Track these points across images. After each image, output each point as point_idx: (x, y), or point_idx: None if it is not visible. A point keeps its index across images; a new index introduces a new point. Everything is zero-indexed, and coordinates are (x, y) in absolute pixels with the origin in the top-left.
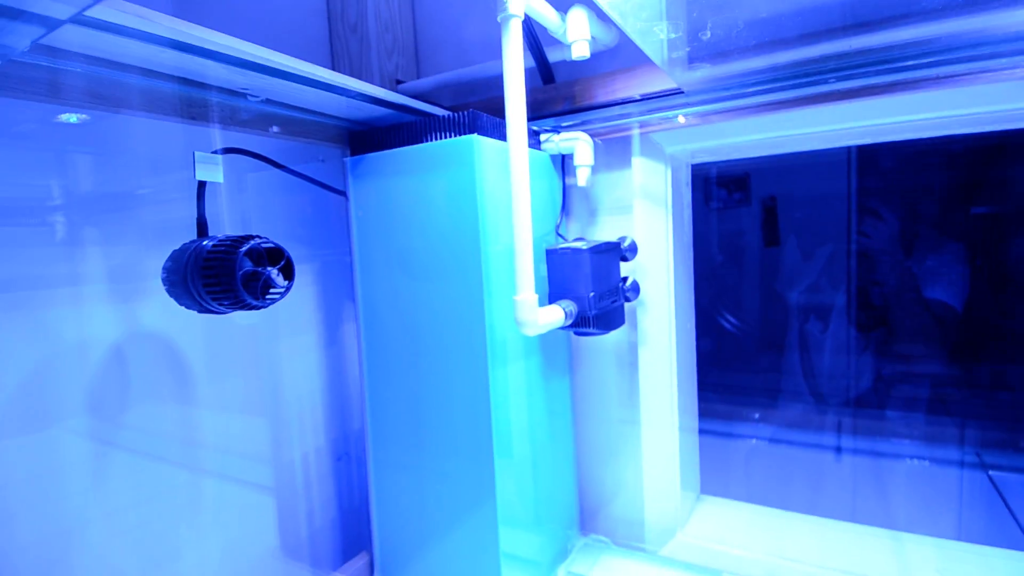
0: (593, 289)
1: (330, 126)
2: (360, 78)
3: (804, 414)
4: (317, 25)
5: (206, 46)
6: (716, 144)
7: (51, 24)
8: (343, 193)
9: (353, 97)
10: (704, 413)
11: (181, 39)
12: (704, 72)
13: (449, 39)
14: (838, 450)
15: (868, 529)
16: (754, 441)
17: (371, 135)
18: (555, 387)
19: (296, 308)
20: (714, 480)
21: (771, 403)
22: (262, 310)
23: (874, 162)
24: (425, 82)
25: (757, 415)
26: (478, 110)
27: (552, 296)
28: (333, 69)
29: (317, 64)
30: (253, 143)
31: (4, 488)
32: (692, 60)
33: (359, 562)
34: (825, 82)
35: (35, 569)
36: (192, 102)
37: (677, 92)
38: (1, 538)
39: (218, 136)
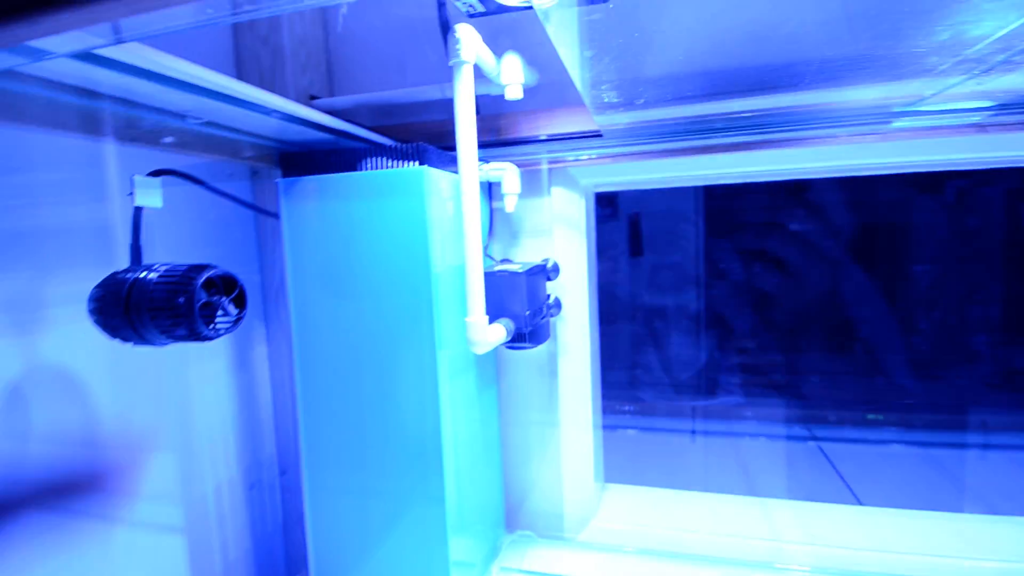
0: (528, 308)
1: (260, 146)
2: (273, 92)
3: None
4: (221, 34)
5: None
6: (622, 179)
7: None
8: (275, 215)
9: (289, 121)
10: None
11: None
12: (623, 119)
13: (364, 58)
14: (692, 432)
15: (741, 498)
16: (631, 431)
17: (306, 158)
18: (486, 397)
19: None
20: (609, 469)
21: (637, 396)
22: None
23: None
24: (342, 100)
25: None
26: (410, 134)
27: (491, 315)
28: (240, 80)
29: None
30: (167, 162)
31: None
32: (612, 109)
33: None
34: (713, 136)
35: None
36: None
37: (596, 135)
38: None
39: (113, 152)
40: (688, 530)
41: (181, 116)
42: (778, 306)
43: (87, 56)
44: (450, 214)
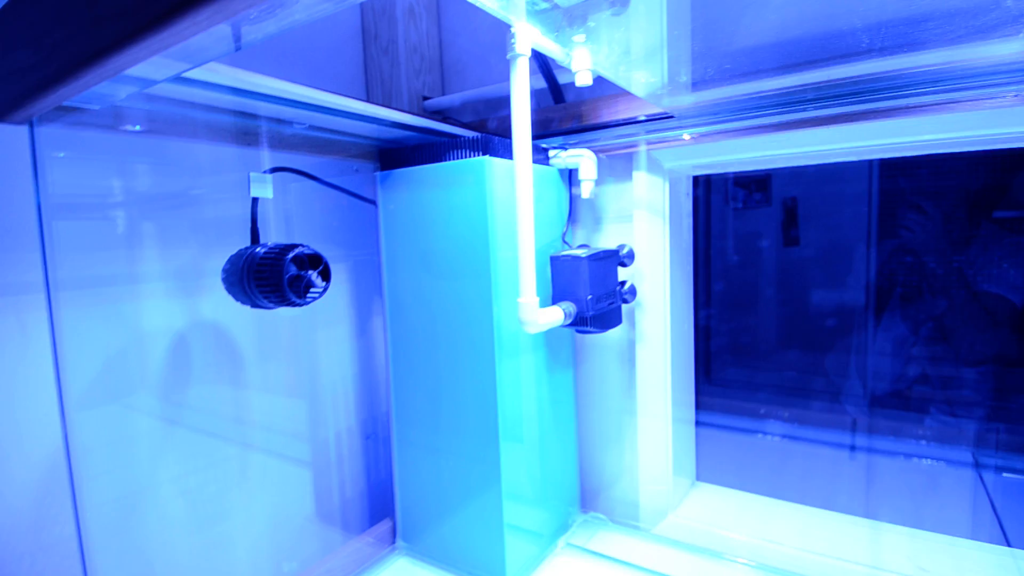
0: (591, 292)
1: (363, 145)
2: (390, 96)
3: (821, 412)
4: (353, 48)
5: (257, 89)
6: (710, 161)
7: (143, 84)
8: (373, 202)
9: (383, 124)
10: (716, 408)
11: (237, 85)
12: (691, 99)
13: (472, 58)
14: (852, 448)
15: (849, 517)
16: (762, 436)
17: (398, 153)
18: (558, 379)
19: (330, 302)
20: (713, 468)
21: (785, 400)
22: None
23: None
24: (449, 99)
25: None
26: (498, 126)
27: (556, 297)
28: (367, 88)
29: (353, 83)
30: (297, 162)
31: (87, 452)
32: (676, 92)
33: (383, 527)
34: (804, 109)
35: (110, 522)
36: (245, 130)
37: (670, 116)
38: (84, 495)
39: (267, 157)
40: (773, 540)
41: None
42: (971, 309)
43: (217, 87)
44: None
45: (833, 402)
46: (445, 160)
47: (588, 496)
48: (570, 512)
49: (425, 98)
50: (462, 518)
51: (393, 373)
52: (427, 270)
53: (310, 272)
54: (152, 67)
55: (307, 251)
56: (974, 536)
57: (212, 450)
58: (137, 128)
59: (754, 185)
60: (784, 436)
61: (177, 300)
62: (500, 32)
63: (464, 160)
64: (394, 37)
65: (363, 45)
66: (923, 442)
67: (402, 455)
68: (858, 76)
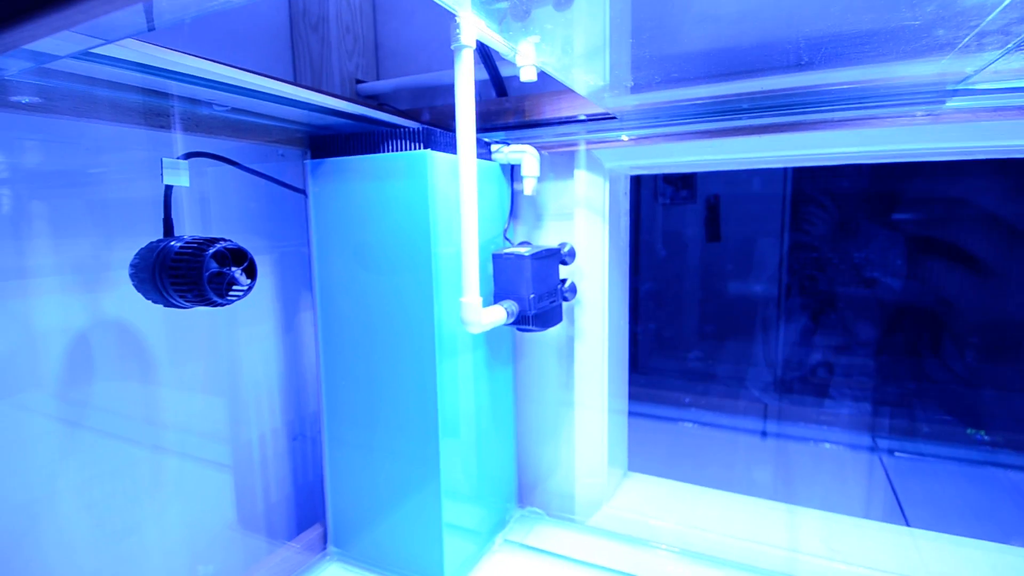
0: (533, 291)
1: (291, 130)
2: (320, 77)
3: (736, 400)
4: (279, 21)
5: (167, 67)
6: (649, 162)
7: (41, 59)
8: (303, 192)
9: (313, 109)
10: (643, 397)
11: (144, 61)
12: (633, 101)
13: (409, 43)
14: (763, 433)
15: (770, 503)
16: (685, 424)
17: (332, 140)
18: (498, 376)
19: (254, 297)
20: (643, 457)
21: (705, 388)
22: None
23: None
24: (384, 84)
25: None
26: (434, 116)
27: (498, 295)
28: (294, 66)
29: (278, 60)
30: (216, 146)
31: None
32: (618, 93)
33: (313, 533)
34: (738, 118)
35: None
36: (155, 110)
37: (611, 117)
38: None
39: (181, 140)
40: (701, 528)
41: (222, 106)
42: (876, 301)
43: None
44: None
45: (746, 389)
46: (383, 151)
47: (525, 491)
48: (508, 508)
49: (359, 81)
50: (398, 519)
51: (325, 371)
52: (364, 265)
53: (233, 269)
54: (55, 42)
55: (230, 246)
56: (870, 515)
57: (119, 455)
58: (26, 100)
59: (680, 183)
60: (704, 424)
61: (76, 295)
62: (438, 17)
63: (405, 152)
64: (325, 15)
65: (290, 20)
66: (826, 427)
67: (334, 456)
68: (787, 89)
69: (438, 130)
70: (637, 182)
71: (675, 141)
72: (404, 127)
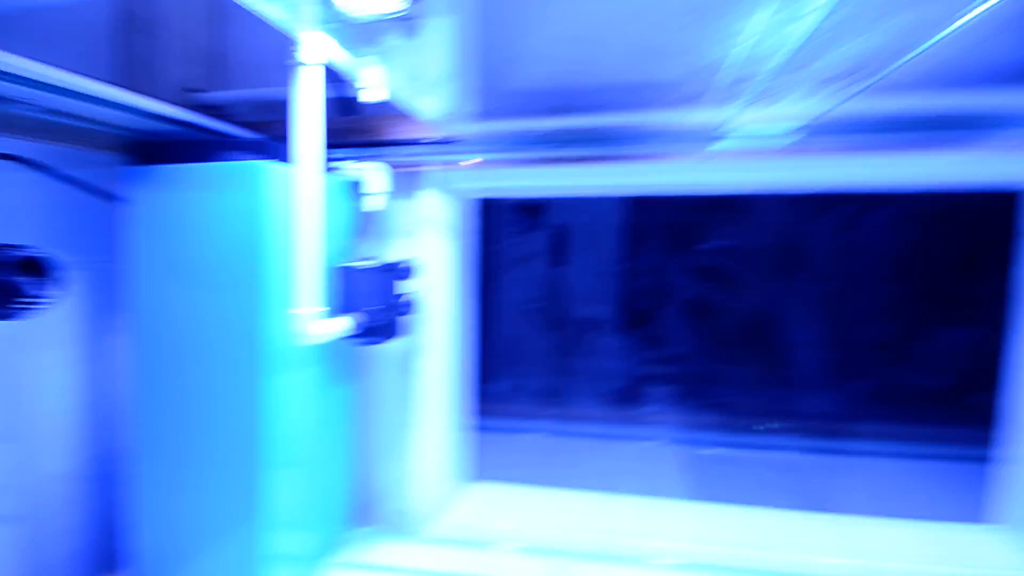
0: (375, 304)
1: (111, 135)
2: (146, 82)
3: (574, 407)
4: (101, 21)
5: None
6: (490, 186)
7: None
8: (122, 201)
9: (138, 113)
10: (491, 412)
11: None
12: (476, 129)
13: (249, 55)
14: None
15: (606, 495)
16: (528, 434)
17: (159, 147)
18: (336, 393)
19: (52, 317)
20: (487, 467)
21: (547, 400)
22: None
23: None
24: (222, 95)
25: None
26: (279, 129)
27: (338, 309)
28: (124, 70)
29: (101, 62)
30: (17, 147)
31: None
32: (463, 120)
33: None
34: (564, 148)
35: None
36: None
37: (456, 141)
38: None
39: None
40: (537, 523)
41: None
42: (693, 318)
43: None
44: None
45: (583, 399)
46: (217, 160)
47: (364, 510)
48: (339, 529)
49: (192, 90)
50: (216, 557)
51: (136, 400)
52: (188, 280)
53: (22, 278)
54: None
55: (21, 253)
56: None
57: None
58: None
59: (529, 212)
60: (546, 431)
61: None
62: (277, 31)
63: (240, 163)
64: (155, 17)
65: (116, 22)
66: (648, 427)
67: (142, 496)
68: (605, 126)
69: (277, 142)
70: (488, 211)
71: (513, 167)
72: (239, 137)
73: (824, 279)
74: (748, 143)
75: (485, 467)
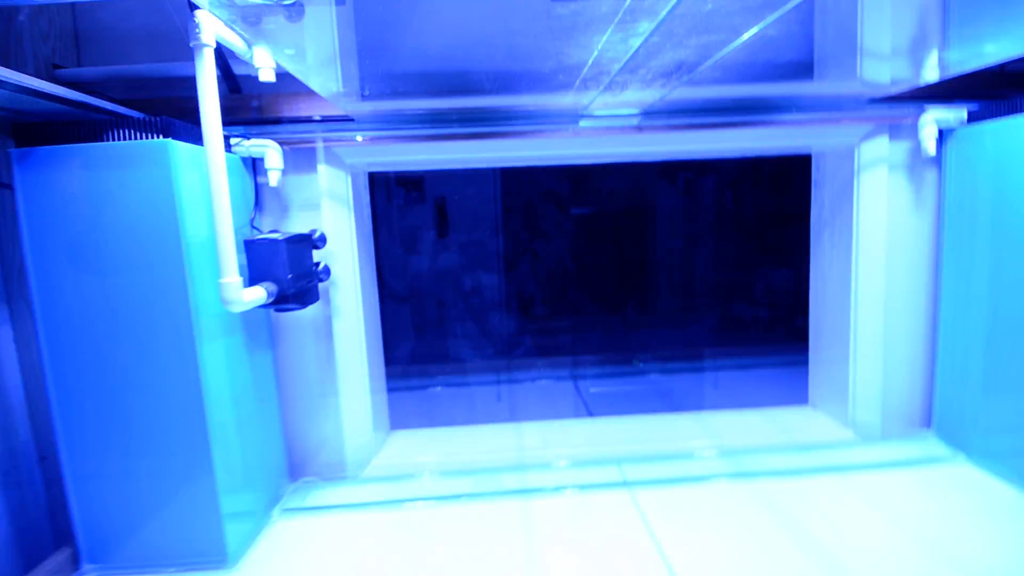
0: (291, 272)
1: None
2: (8, 60)
3: (472, 361)
4: None
5: None
6: (383, 160)
7: None
8: (7, 186)
9: (13, 90)
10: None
11: None
12: (368, 107)
13: (114, 29)
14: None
15: (502, 425)
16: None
17: (43, 128)
18: (258, 360)
19: None
20: (402, 418)
21: (448, 356)
22: None
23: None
24: (90, 71)
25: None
26: (165, 107)
27: (252, 281)
28: None
29: None
30: None
31: None
32: (353, 99)
33: (59, 557)
34: (450, 127)
35: None
36: None
37: (349, 119)
38: None
39: None
40: (455, 454)
41: None
42: (568, 277)
43: None
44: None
45: (479, 352)
46: (112, 140)
47: (297, 466)
48: (281, 483)
49: (56, 66)
50: (167, 516)
51: (55, 389)
52: (98, 263)
53: None
54: None
55: None
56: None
57: None
58: None
59: (411, 185)
60: (448, 384)
61: None
62: (140, 5)
63: (143, 142)
64: None
65: None
66: (541, 369)
67: (78, 471)
68: (484, 107)
69: (179, 121)
70: (373, 184)
71: (402, 143)
72: (135, 117)
73: (671, 236)
74: (602, 123)
75: (398, 419)
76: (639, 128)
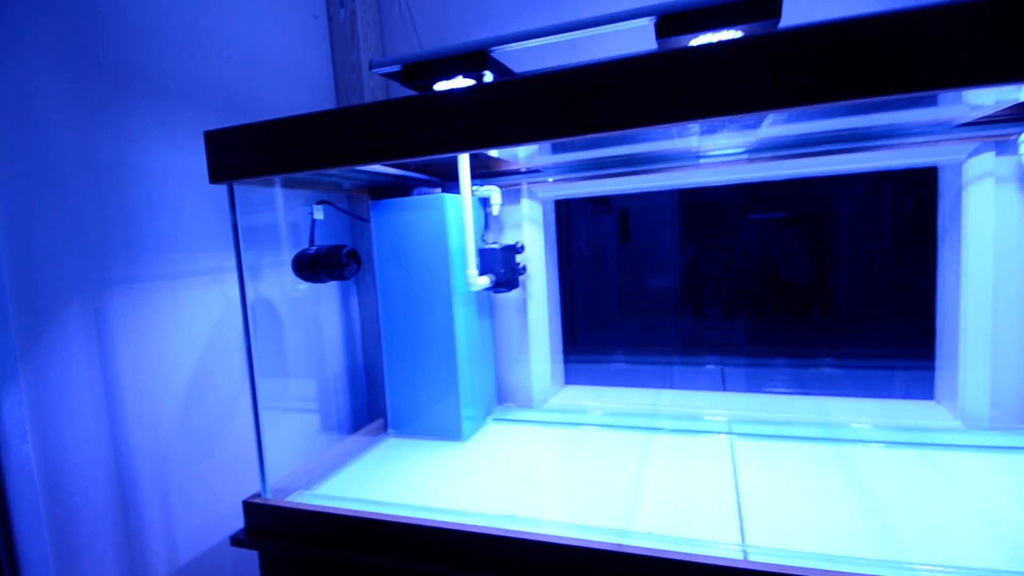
0: (503, 268)
1: (360, 184)
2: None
3: (651, 353)
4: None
5: None
6: (562, 192)
7: None
8: (370, 221)
9: (374, 175)
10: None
11: None
12: (548, 160)
13: None
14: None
15: (656, 390)
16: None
17: (383, 189)
18: (483, 324)
19: (330, 292)
20: (578, 381)
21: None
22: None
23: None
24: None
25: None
26: (436, 171)
27: (482, 273)
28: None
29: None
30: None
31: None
32: (541, 155)
33: (375, 425)
34: (606, 168)
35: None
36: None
37: (538, 170)
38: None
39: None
40: (616, 402)
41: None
42: (728, 281)
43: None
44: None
45: (656, 346)
46: (415, 195)
47: (502, 395)
48: (492, 404)
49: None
50: (433, 409)
51: (384, 331)
52: (410, 262)
53: (348, 261)
54: None
55: (347, 248)
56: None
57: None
58: None
59: (599, 200)
60: (629, 362)
61: (250, 284)
62: None
63: (430, 196)
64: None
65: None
66: (709, 364)
67: (392, 377)
68: (629, 153)
69: (446, 182)
70: (567, 202)
71: (575, 182)
72: (426, 179)
73: (839, 243)
74: (715, 159)
75: (573, 380)
76: (749, 160)
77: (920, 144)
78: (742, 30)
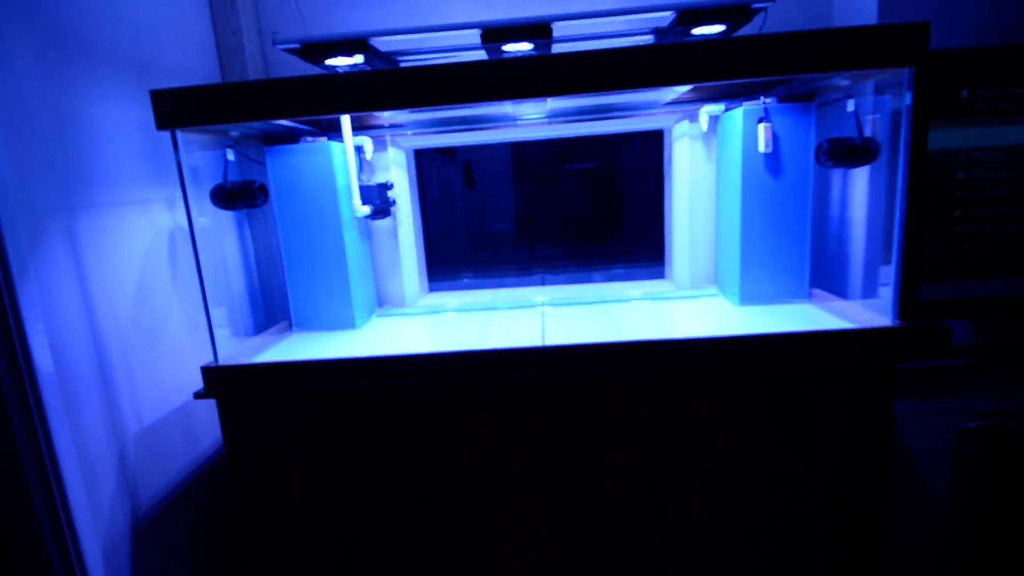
0: (378, 199)
1: (260, 135)
2: None
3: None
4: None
5: None
6: (421, 143)
7: None
8: (262, 163)
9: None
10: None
11: None
12: (409, 117)
13: None
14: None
15: (505, 290)
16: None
17: (277, 137)
18: (364, 244)
19: (227, 222)
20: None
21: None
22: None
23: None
24: None
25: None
26: (322, 123)
27: (363, 202)
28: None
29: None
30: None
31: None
32: (399, 114)
33: (281, 324)
34: (455, 126)
35: None
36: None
37: (401, 125)
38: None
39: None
40: (472, 300)
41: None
42: (549, 215)
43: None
44: (345, 161)
45: (496, 263)
46: (305, 142)
47: (381, 299)
48: (374, 305)
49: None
50: (331, 309)
51: (284, 249)
52: (303, 196)
53: (255, 198)
54: None
55: (257, 183)
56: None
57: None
58: None
59: (447, 150)
60: (475, 279)
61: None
62: None
63: (318, 143)
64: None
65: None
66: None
67: (293, 286)
68: (475, 115)
69: (331, 132)
70: (419, 154)
71: (431, 135)
72: (313, 130)
73: (629, 188)
74: (529, 121)
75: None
76: (549, 123)
77: (646, 115)
78: (533, 44)
